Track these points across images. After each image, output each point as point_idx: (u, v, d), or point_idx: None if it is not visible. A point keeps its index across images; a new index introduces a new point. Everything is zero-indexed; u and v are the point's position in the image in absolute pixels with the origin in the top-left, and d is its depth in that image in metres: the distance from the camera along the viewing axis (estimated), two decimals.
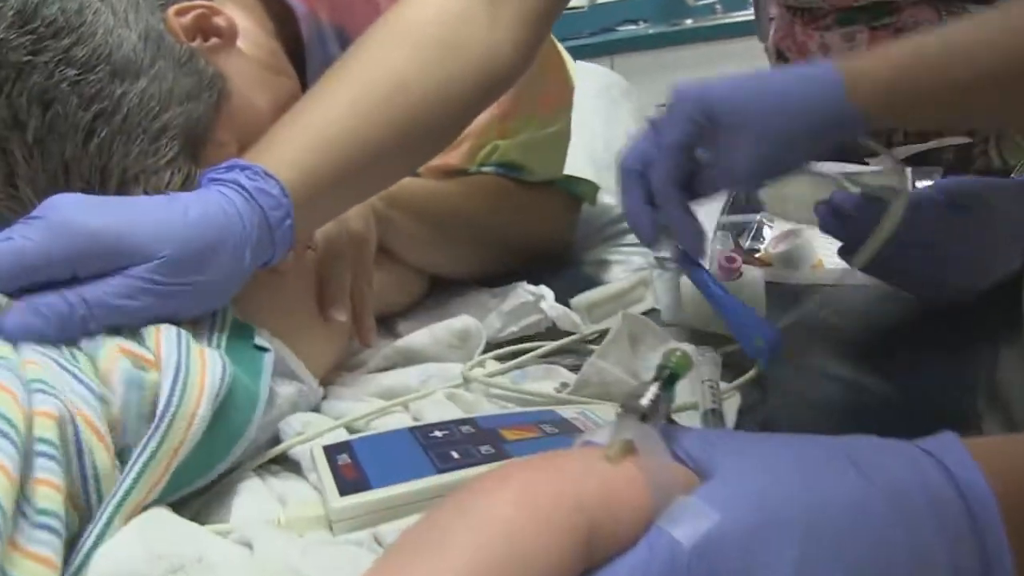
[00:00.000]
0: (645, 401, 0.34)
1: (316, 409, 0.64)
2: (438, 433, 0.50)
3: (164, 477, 0.46)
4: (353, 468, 0.46)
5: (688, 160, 0.60)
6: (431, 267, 0.92)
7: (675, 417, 0.56)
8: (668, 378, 0.36)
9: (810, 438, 0.34)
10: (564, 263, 1.02)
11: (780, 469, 0.32)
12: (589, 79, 1.09)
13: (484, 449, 0.47)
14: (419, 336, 0.69)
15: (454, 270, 0.93)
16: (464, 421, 0.51)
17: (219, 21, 0.83)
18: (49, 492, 0.41)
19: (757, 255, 0.91)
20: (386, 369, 0.70)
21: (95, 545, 0.42)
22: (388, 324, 0.86)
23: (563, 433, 0.49)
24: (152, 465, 0.46)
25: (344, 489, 0.44)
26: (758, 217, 0.91)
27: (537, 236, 1.00)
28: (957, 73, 0.55)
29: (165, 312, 0.54)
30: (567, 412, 0.52)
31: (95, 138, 0.72)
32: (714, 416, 0.55)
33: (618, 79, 1.05)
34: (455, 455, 0.46)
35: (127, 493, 0.45)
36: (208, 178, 0.64)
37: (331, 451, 0.49)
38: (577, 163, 1.01)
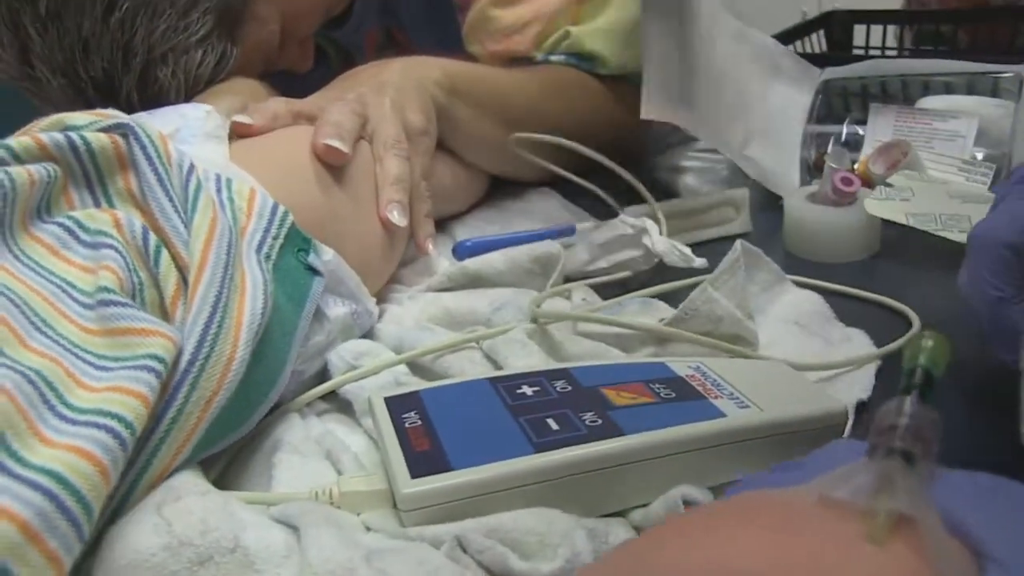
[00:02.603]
0: (903, 433, 0.24)
1: (371, 335, 0.55)
2: (527, 389, 0.40)
3: (195, 434, 0.38)
4: (426, 435, 0.37)
5: None
6: (492, 167, 0.81)
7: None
8: (926, 383, 0.26)
9: None
10: (636, 166, 0.91)
11: None
12: None
13: (588, 418, 0.37)
14: (491, 259, 0.59)
15: (516, 171, 0.83)
16: (558, 373, 0.42)
17: None
18: None
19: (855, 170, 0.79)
20: (448, 290, 0.60)
21: (112, 520, 0.34)
22: (444, 227, 0.77)
23: (680, 398, 0.39)
24: (180, 421, 0.37)
25: (417, 468, 0.35)
26: (848, 127, 0.79)
27: (609, 136, 0.89)
28: None
29: None
30: (680, 367, 0.43)
31: (116, 12, 0.63)
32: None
33: None
34: (553, 425, 0.37)
35: (151, 457, 0.36)
36: None
37: (396, 406, 0.40)
38: None
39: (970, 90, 0.80)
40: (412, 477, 0.34)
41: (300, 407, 0.48)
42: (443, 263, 0.65)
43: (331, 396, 0.50)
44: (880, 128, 0.80)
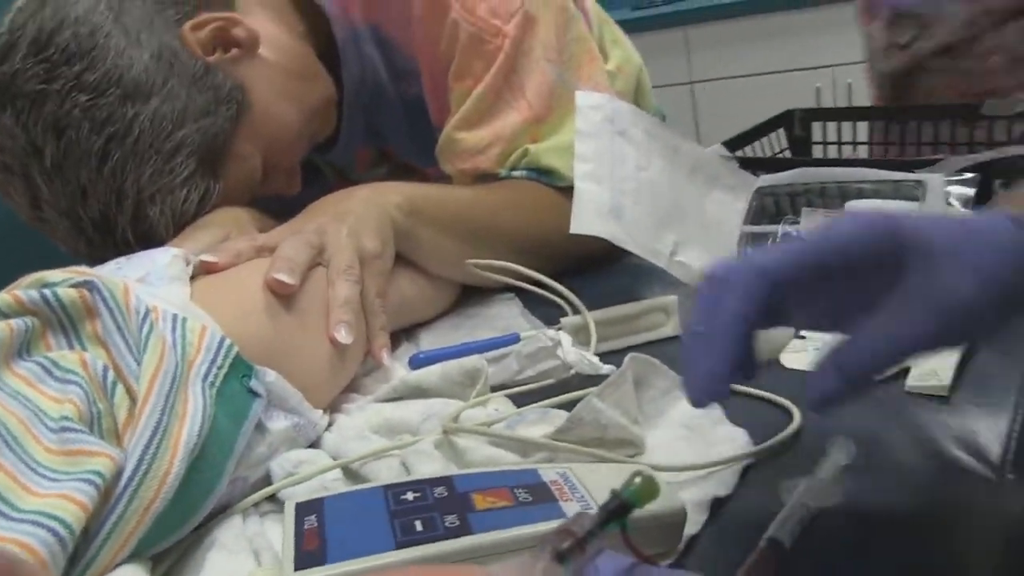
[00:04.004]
0: (567, 539, 0.32)
1: (317, 443, 0.64)
2: (410, 495, 0.48)
3: (135, 534, 0.47)
4: (316, 536, 0.45)
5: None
6: (460, 278, 0.90)
7: None
8: (616, 510, 0.34)
9: None
10: (602, 269, 0.99)
11: None
12: None
13: (449, 520, 0.45)
14: (429, 373, 0.68)
15: (484, 279, 0.92)
16: (440, 481, 0.50)
17: (238, 32, 0.83)
18: None
19: None
20: (393, 400, 0.69)
21: None
22: (412, 335, 0.86)
23: (536, 502, 0.47)
24: (121, 524, 0.46)
25: (300, 562, 0.43)
26: (781, 227, 0.87)
27: (568, 242, 0.97)
28: None
29: None
30: (549, 473, 0.51)
31: (109, 161, 0.73)
32: (772, 549, 0.47)
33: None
34: (419, 526, 0.45)
35: (97, 552, 0.45)
36: None
37: (302, 511, 0.48)
38: None
39: (896, 194, 0.87)
40: (295, 570, 0.43)
41: (244, 509, 0.57)
42: (401, 372, 0.74)
43: (274, 498, 0.58)
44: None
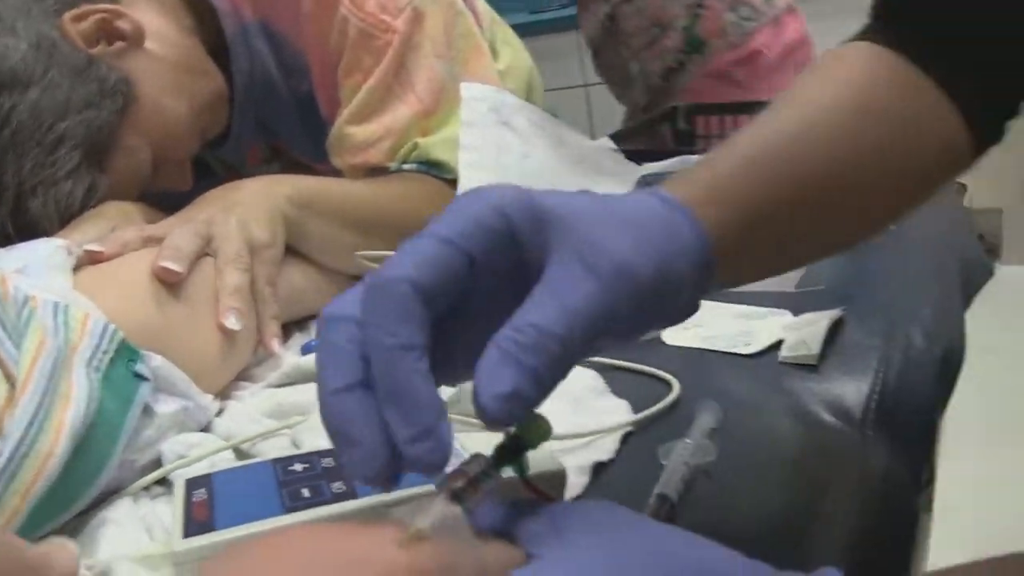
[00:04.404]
0: (461, 480, 0.33)
1: (209, 427, 0.64)
2: (298, 467, 0.49)
3: (18, 515, 0.46)
4: (205, 506, 0.46)
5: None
6: (351, 269, 0.91)
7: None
8: (511, 448, 0.35)
9: (668, 543, 0.34)
10: None
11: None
12: None
13: (335, 487, 0.46)
14: None
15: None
16: (328, 452, 0.51)
17: (122, 24, 0.82)
18: None
19: None
20: (286, 385, 0.69)
21: None
22: (303, 326, 0.86)
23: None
24: (1, 506, 0.46)
25: (189, 530, 0.44)
26: None
27: None
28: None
29: None
30: None
31: None
32: (661, 503, 0.50)
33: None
34: (306, 493, 0.46)
35: None
36: None
37: (191, 486, 0.49)
38: None
39: None
40: (184, 537, 0.43)
41: (135, 492, 0.57)
42: (292, 360, 0.74)
43: (166, 481, 0.59)
44: None
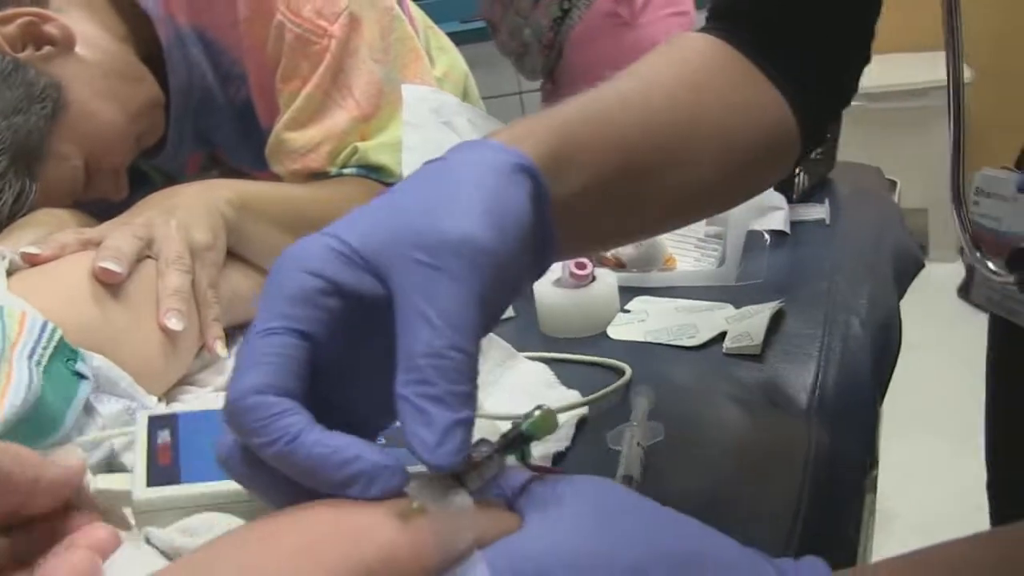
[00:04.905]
0: (466, 463, 0.33)
1: None
2: None
3: None
4: (169, 452, 0.45)
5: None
6: None
7: None
8: (515, 439, 0.35)
9: (660, 516, 0.35)
10: None
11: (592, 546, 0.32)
12: None
13: None
14: None
15: None
16: None
17: (50, 29, 0.81)
18: None
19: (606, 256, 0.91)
20: None
21: None
22: (246, 330, 0.85)
23: (391, 444, 0.48)
24: None
25: (154, 478, 0.43)
26: None
27: None
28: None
29: None
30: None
31: None
32: (627, 484, 0.52)
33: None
34: None
35: None
36: None
37: (155, 424, 0.48)
38: None
39: None
40: (147, 485, 0.42)
41: None
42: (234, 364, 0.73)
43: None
44: None
